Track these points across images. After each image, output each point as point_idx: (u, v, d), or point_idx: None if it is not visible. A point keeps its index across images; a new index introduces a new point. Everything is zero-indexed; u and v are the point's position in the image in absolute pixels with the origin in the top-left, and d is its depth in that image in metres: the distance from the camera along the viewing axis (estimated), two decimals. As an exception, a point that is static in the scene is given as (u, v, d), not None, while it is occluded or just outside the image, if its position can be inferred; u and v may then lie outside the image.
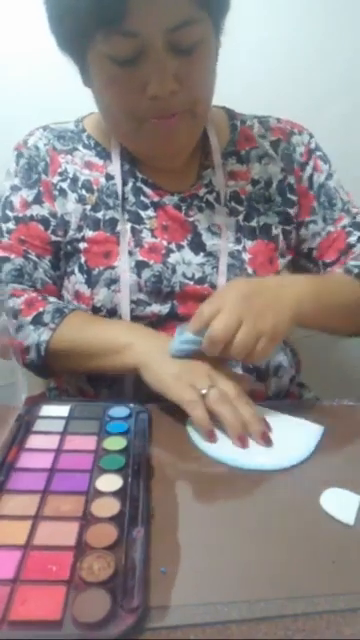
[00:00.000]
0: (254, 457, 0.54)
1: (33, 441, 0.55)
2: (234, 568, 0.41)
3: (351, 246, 0.79)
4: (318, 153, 0.82)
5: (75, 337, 0.68)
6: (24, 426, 0.57)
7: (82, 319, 0.71)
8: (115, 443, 0.54)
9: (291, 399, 0.83)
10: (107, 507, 0.45)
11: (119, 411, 0.61)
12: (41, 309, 0.71)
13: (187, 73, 0.62)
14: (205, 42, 0.63)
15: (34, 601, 0.36)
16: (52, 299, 0.74)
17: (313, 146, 0.82)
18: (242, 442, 0.56)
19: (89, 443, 0.54)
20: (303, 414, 0.63)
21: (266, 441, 0.56)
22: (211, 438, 0.56)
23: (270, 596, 0.39)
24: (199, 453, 0.56)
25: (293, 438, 0.58)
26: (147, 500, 0.46)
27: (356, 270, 0.75)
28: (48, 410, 0.61)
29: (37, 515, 0.44)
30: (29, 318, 0.70)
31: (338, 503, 0.48)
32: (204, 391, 0.58)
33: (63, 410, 0.61)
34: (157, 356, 0.62)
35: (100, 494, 0.47)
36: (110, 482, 0.48)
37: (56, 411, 0.60)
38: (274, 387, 0.77)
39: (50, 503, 0.46)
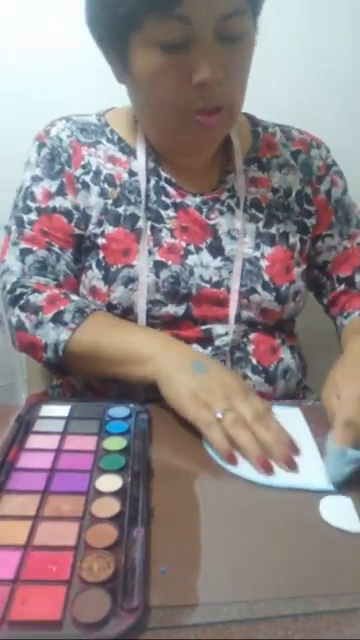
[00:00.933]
0: (278, 475, 0.52)
1: (33, 441, 0.55)
2: (234, 568, 0.41)
3: None
4: (335, 168, 0.83)
5: (97, 340, 0.67)
6: (24, 426, 0.57)
7: (104, 322, 0.70)
8: (115, 443, 0.54)
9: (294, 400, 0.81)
10: (107, 507, 0.45)
11: (119, 411, 0.61)
12: (62, 307, 0.69)
13: (232, 63, 0.63)
14: (249, 34, 0.64)
15: (34, 601, 0.36)
16: (74, 297, 0.72)
17: (330, 161, 0.83)
18: (264, 468, 0.52)
19: (89, 443, 0.55)
20: (303, 415, 0.63)
21: (290, 465, 0.53)
22: (231, 461, 0.53)
23: (270, 596, 0.39)
24: (201, 453, 0.55)
25: (315, 461, 0.55)
26: (147, 500, 0.46)
27: None
28: (48, 410, 0.61)
29: (37, 515, 0.44)
30: (49, 315, 0.69)
31: (338, 512, 0.47)
32: (219, 415, 0.56)
33: (63, 410, 0.61)
34: (176, 371, 0.61)
35: (100, 494, 0.47)
36: (110, 482, 0.48)
37: (56, 411, 0.60)
38: (282, 390, 0.77)
39: (50, 503, 0.46)
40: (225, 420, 0.55)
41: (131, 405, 0.62)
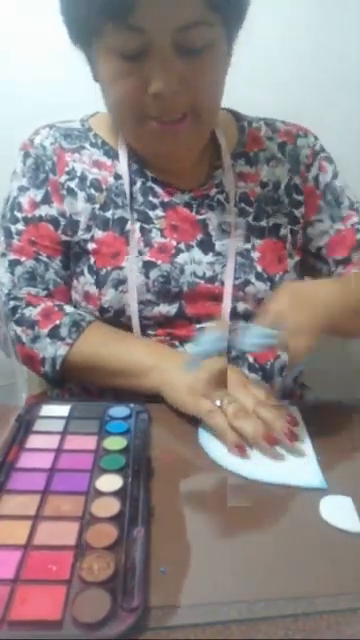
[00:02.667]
0: (272, 471, 0.53)
1: (33, 441, 0.55)
2: (234, 568, 0.41)
3: None
4: (323, 154, 0.83)
5: (95, 353, 0.68)
6: (24, 426, 0.57)
7: (101, 334, 0.71)
8: (115, 443, 0.54)
9: (293, 400, 0.82)
10: (107, 507, 0.45)
11: (119, 411, 0.61)
12: (58, 322, 0.70)
13: (193, 75, 0.62)
14: (215, 47, 0.63)
15: (34, 601, 0.36)
16: (68, 310, 0.72)
17: (318, 148, 0.83)
18: (270, 441, 0.54)
19: (89, 443, 0.54)
20: (303, 414, 0.62)
21: (291, 438, 0.54)
22: (239, 450, 0.54)
23: (270, 596, 0.39)
24: (203, 452, 0.55)
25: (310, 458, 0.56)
26: (147, 500, 0.46)
27: None
28: (48, 410, 0.61)
29: (37, 515, 0.44)
30: (46, 330, 0.70)
31: (338, 512, 0.47)
32: (218, 403, 0.57)
33: (63, 410, 0.61)
34: (175, 375, 0.62)
35: (100, 494, 0.47)
36: (110, 482, 0.48)
37: (56, 411, 0.60)
38: (279, 387, 0.77)
39: (50, 503, 0.45)
40: (227, 412, 0.56)
41: (131, 405, 0.62)
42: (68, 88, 0.97)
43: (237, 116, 0.83)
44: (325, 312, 0.60)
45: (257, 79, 1.09)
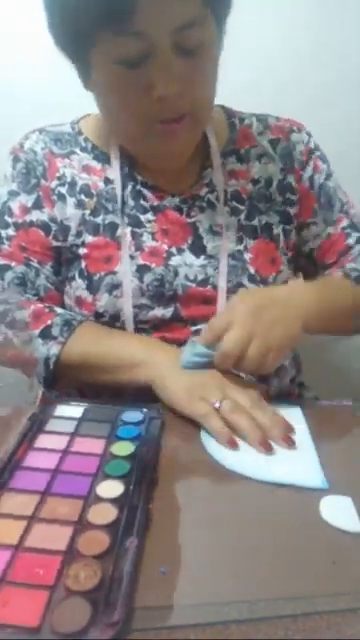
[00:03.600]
0: (274, 470, 0.53)
1: (42, 440, 0.55)
2: (234, 568, 0.41)
3: (349, 247, 0.81)
4: (317, 153, 0.81)
5: (87, 351, 0.67)
6: (37, 425, 0.57)
7: (93, 332, 0.70)
8: (123, 448, 0.53)
9: (291, 399, 0.82)
10: (104, 514, 0.44)
11: (132, 415, 0.60)
12: (49, 322, 0.70)
13: (191, 74, 0.61)
14: (210, 43, 0.62)
15: (15, 604, 0.36)
16: (59, 310, 0.73)
17: (312, 145, 0.81)
18: (265, 447, 0.54)
19: (97, 446, 0.54)
20: (303, 414, 0.63)
21: (289, 443, 0.56)
22: (232, 445, 0.55)
23: (270, 596, 0.39)
24: (212, 461, 0.54)
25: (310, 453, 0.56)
26: (146, 510, 0.45)
27: (354, 274, 0.77)
28: (62, 410, 0.61)
29: (33, 516, 0.44)
30: (37, 331, 0.69)
31: (338, 512, 0.47)
32: (217, 405, 0.57)
33: (77, 411, 0.60)
34: (170, 372, 0.62)
35: (99, 500, 0.46)
36: (111, 488, 0.47)
37: (70, 412, 0.60)
38: (275, 387, 0.77)
39: (48, 505, 0.45)
40: (223, 408, 0.57)
41: (144, 410, 0.61)
42: (68, 88, 0.95)
43: (228, 112, 0.81)
44: (302, 320, 0.63)
45: (257, 79, 1.08)
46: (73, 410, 0.61)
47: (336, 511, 0.47)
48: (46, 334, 0.69)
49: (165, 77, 0.59)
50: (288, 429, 0.57)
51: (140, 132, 0.66)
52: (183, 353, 0.62)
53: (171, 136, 0.66)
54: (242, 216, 0.76)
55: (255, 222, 0.76)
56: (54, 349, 0.68)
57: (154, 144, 0.68)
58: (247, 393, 0.59)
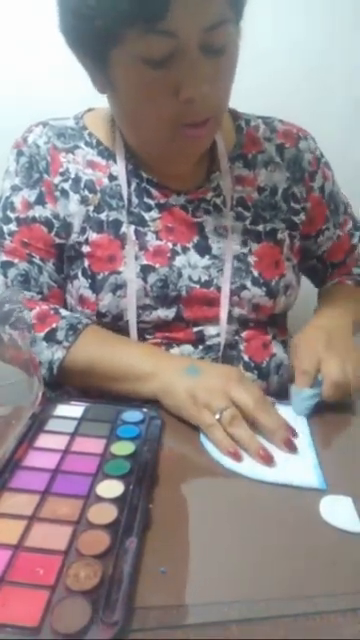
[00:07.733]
0: (273, 470, 0.53)
1: (43, 440, 0.55)
2: (234, 568, 0.41)
3: (354, 247, 0.88)
4: (323, 160, 0.83)
5: (91, 358, 0.67)
6: (37, 424, 0.57)
7: (98, 338, 0.70)
8: (123, 448, 0.53)
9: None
10: (104, 514, 0.44)
11: (133, 415, 0.60)
12: (54, 325, 0.69)
13: (217, 74, 0.60)
14: (233, 44, 0.61)
15: (15, 604, 0.36)
16: (64, 313, 0.72)
17: (319, 153, 0.82)
18: (265, 460, 0.54)
19: (97, 446, 0.54)
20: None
21: (290, 448, 0.56)
22: (235, 458, 0.54)
23: (270, 596, 0.39)
24: (212, 461, 0.55)
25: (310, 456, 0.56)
26: (146, 510, 0.45)
27: None
28: (62, 410, 0.61)
29: (33, 516, 0.44)
30: (42, 334, 0.69)
31: (338, 512, 0.47)
32: (217, 416, 0.57)
33: (77, 411, 0.60)
34: (174, 381, 0.62)
35: (99, 499, 0.46)
36: (111, 488, 0.47)
37: (70, 411, 0.60)
38: (275, 385, 0.77)
39: (48, 505, 0.45)
40: (223, 419, 0.57)
41: (145, 410, 0.61)
42: (67, 89, 0.95)
43: (234, 114, 0.80)
44: (352, 339, 0.71)
45: (257, 79, 1.06)
46: (73, 410, 0.61)
47: (336, 511, 0.47)
48: (51, 337, 0.69)
49: (193, 78, 0.58)
50: (291, 432, 0.58)
51: (163, 136, 0.64)
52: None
53: (195, 140, 0.65)
54: (247, 222, 0.75)
55: (260, 228, 0.76)
56: (59, 353, 0.67)
57: (175, 148, 0.66)
58: (251, 393, 0.59)
